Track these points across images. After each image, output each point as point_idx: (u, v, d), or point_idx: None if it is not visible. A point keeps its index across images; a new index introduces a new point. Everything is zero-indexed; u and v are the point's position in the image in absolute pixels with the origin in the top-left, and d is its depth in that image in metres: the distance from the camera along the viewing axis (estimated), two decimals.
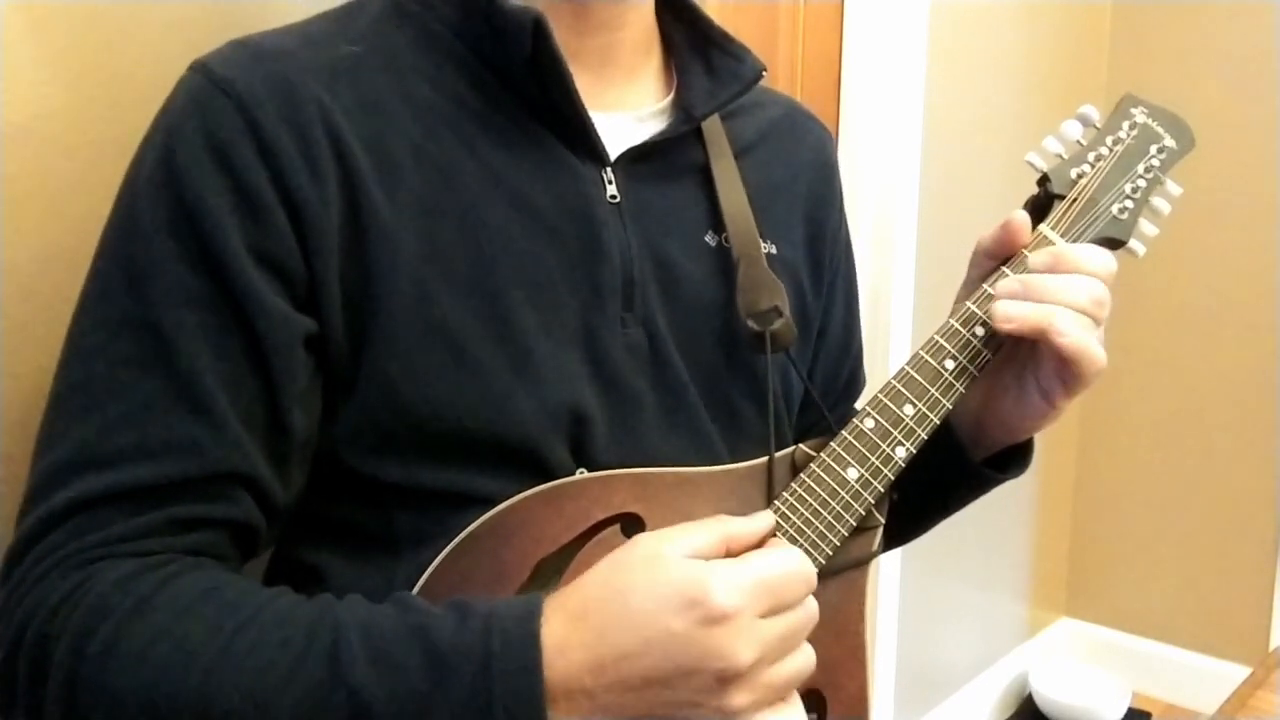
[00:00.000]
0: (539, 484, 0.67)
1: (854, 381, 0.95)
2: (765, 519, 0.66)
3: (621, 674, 0.57)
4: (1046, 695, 2.33)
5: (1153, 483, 2.41)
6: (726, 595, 0.58)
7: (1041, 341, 0.72)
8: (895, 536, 0.81)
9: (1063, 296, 0.72)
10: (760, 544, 0.65)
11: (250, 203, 0.62)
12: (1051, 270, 0.74)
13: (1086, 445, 2.49)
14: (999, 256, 0.78)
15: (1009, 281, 0.74)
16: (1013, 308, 0.72)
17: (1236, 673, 2.19)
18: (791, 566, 0.62)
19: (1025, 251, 0.77)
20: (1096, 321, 0.73)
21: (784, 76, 1.70)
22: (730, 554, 0.63)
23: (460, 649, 0.56)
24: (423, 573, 0.65)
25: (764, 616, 0.60)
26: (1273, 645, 2.27)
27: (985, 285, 0.76)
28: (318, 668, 0.56)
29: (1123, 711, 2.31)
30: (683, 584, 0.58)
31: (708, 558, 0.61)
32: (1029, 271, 0.75)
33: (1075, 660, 2.49)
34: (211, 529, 0.62)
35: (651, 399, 0.73)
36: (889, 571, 1.96)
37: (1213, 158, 2.18)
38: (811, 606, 0.63)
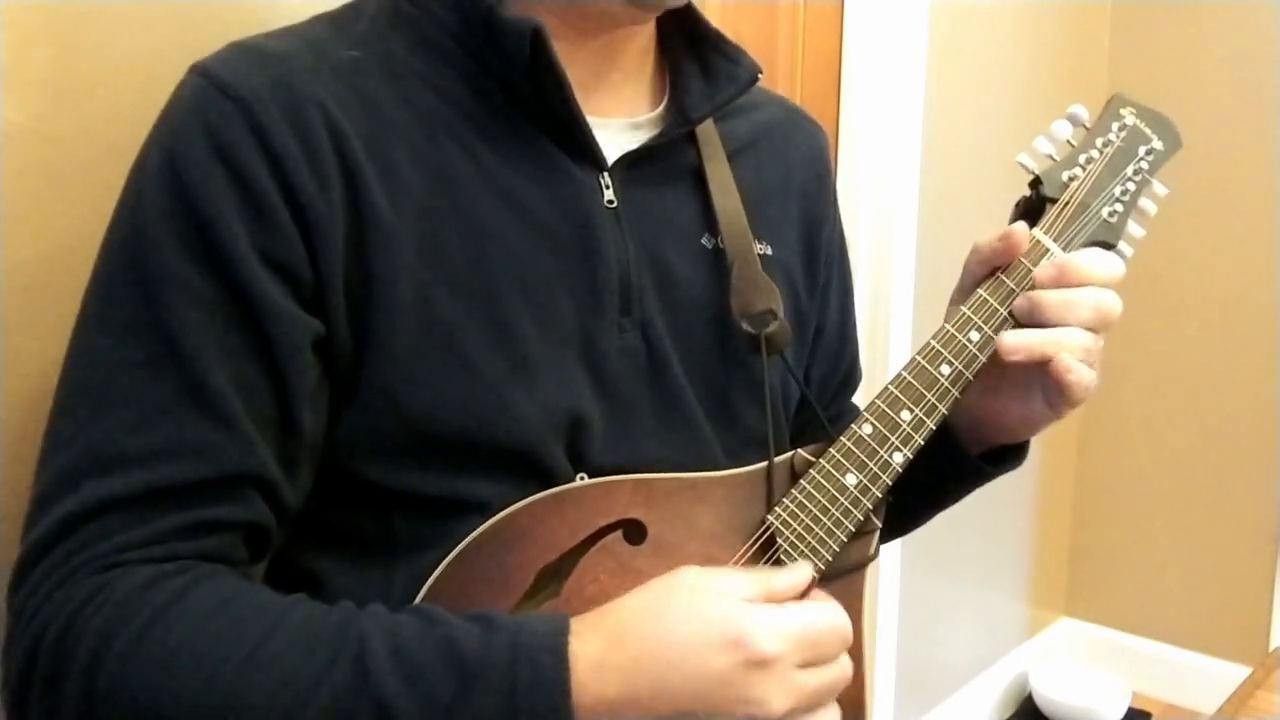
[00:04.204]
0: (538, 488, 0.67)
1: (850, 378, 0.95)
2: (804, 571, 0.67)
3: (654, 703, 0.58)
4: (1046, 695, 2.33)
5: (1153, 483, 2.41)
6: (770, 640, 0.59)
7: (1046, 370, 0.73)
8: (890, 530, 0.82)
9: (1071, 314, 0.73)
10: (800, 597, 0.66)
11: (256, 206, 0.62)
12: (1058, 284, 0.75)
13: (1086, 445, 2.49)
14: (995, 265, 0.78)
15: (1020, 301, 0.75)
16: (1016, 339, 0.73)
17: (1236, 673, 2.18)
18: (832, 621, 0.63)
19: (1020, 258, 0.77)
20: (1102, 330, 0.74)
21: (784, 76, 1.70)
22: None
23: (488, 662, 0.57)
24: (421, 578, 0.65)
25: (802, 668, 0.61)
26: (1273, 645, 2.27)
27: (980, 290, 0.77)
28: (344, 679, 0.56)
29: (1123, 711, 2.31)
30: (727, 623, 0.59)
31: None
32: (1035, 287, 0.75)
33: (1075, 660, 2.49)
34: (225, 532, 0.62)
35: (648, 403, 0.73)
36: (889, 571, 1.96)
37: (1213, 158, 2.19)
38: (846, 665, 0.65)
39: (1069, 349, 0.73)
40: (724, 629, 0.59)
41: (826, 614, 0.64)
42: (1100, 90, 2.31)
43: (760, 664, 0.58)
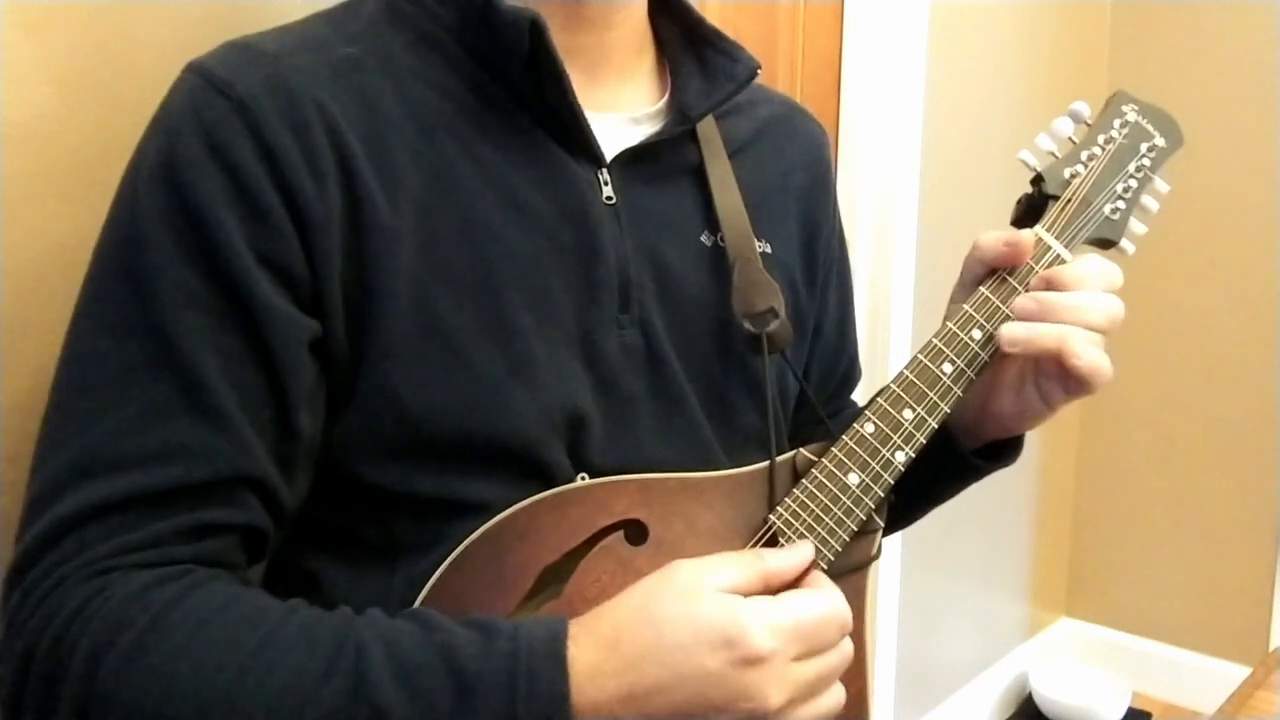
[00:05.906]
0: (538, 488, 0.67)
1: (850, 376, 0.95)
2: (804, 551, 0.67)
3: (652, 706, 0.57)
4: (1046, 695, 2.33)
5: (1153, 483, 2.41)
6: (763, 637, 0.59)
7: (1059, 362, 0.73)
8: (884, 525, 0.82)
9: (1078, 315, 0.73)
10: (799, 578, 0.65)
11: (253, 205, 0.62)
12: (1057, 288, 0.75)
13: (1086, 445, 2.49)
14: (997, 266, 0.78)
15: (1024, 300, 0.75)
16: (1020, 330, 0.73)
17: (1236, 673, 2.19)
18: (829, 609, 0.63)
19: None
20: (1106, 333, 0.74)
21: (784, 76, 1.70)
22: (769, 590, 0.63)
23: (487, 670, 0.56)
24: (421, 580, 0.65)
25: (798, 659, 0.61)
26: (1273, 645, 2.27)
27: (983, 288, 0.76)
28: (342, 687, 0.56)
29: (1123, 711, 2.31)
30: (720, 622, 0.59)
31: (746, 594, 0.61)
32: (1032, 289, 0.76)
33: (1075, 660, 2.49)
34: (223, 535, 0.62)
35: (648, 401, 0.73)
36: (889, 571, 1.96)
37: (1212, 157, 2.19)
38: (846, 649, 0.64)
39: (1072, 339, 0.73)
40: (717, 628, 0.59)
41: (821, 602, 0.63)
42: (1100, 90, 2.30)
43: (754, 660, 0.58)
